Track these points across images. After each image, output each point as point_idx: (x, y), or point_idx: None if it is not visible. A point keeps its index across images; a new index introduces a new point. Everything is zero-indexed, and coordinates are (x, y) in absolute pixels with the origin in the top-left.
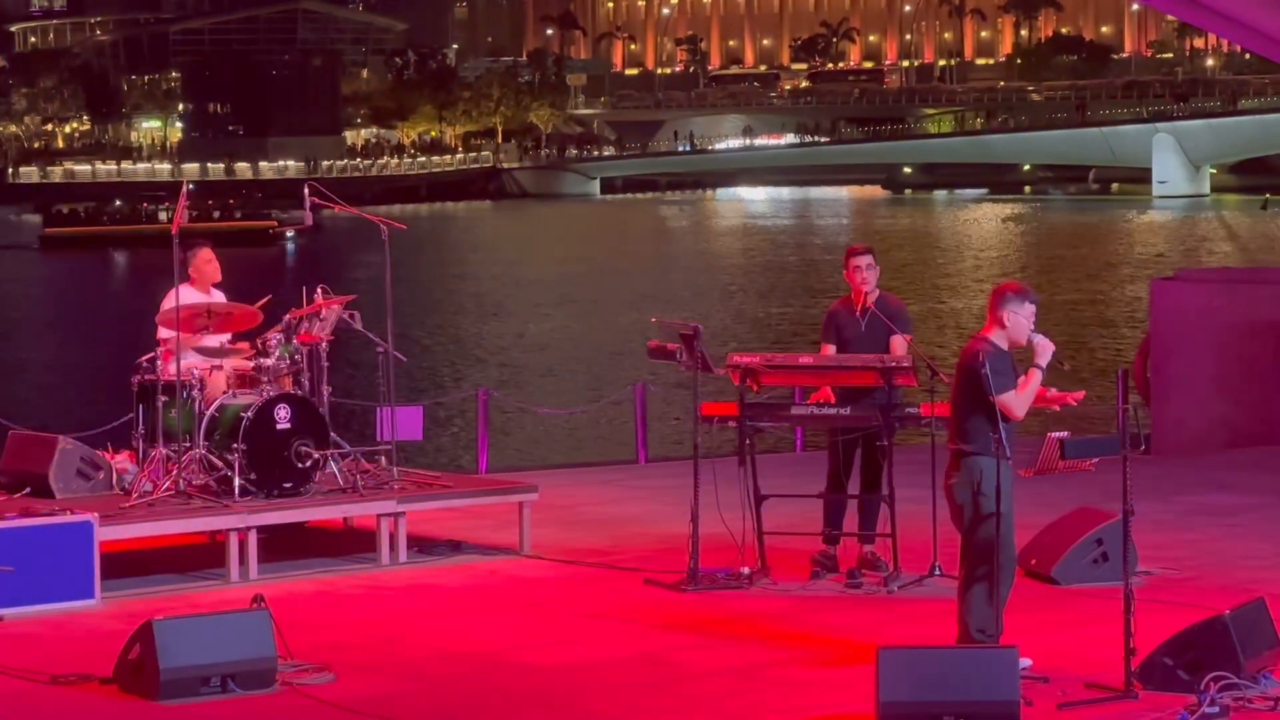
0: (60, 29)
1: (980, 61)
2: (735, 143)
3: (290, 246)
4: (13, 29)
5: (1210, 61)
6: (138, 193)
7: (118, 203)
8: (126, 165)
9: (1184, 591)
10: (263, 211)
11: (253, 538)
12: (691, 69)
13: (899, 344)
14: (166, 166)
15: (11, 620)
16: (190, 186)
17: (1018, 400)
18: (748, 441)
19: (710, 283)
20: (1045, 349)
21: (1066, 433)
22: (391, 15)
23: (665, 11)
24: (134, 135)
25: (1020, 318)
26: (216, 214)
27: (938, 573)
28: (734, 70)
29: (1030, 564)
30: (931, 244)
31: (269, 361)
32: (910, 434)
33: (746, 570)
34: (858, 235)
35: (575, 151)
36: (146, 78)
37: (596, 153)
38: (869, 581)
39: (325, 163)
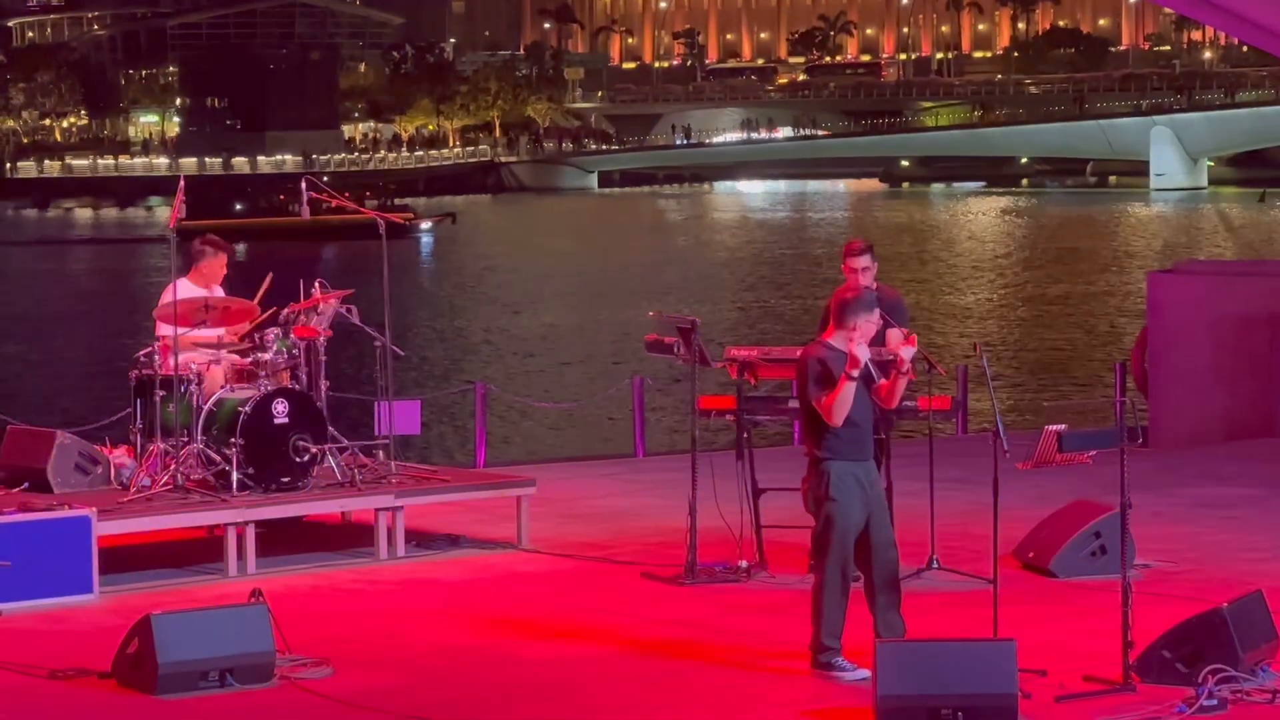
0: (58, 24)
1: (978, 54)
2: (733, 136)
3: (425, 239)
4: (10, 24)
5: (1208, 54)
6: (272, 186)
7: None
8: (124, 160)
9: (1182, 584)
10: (395, 203)
11: (251, 532)
12: (689, 63)
13: (894, 337)
14: (164, 161)
15: (10, 615)
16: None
17: (830, 406)
18: (745, 435)
19: (708, 276)
20: (863, 353)
21: (1064, 425)
22: (389, 9)
23: (663, 5)
24: (131, 130)
25: (870, 326)
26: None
27: (935, 566)
28: (731, 64)
29: (1028, 557)
30: (929, 237)
31: (267, 356)
32: (907, 427)
33: (744, 564)
34: (855, 229)
35: (573, 145)
36: (144, 72)
37: (594, 146)
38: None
39: (323, 157)
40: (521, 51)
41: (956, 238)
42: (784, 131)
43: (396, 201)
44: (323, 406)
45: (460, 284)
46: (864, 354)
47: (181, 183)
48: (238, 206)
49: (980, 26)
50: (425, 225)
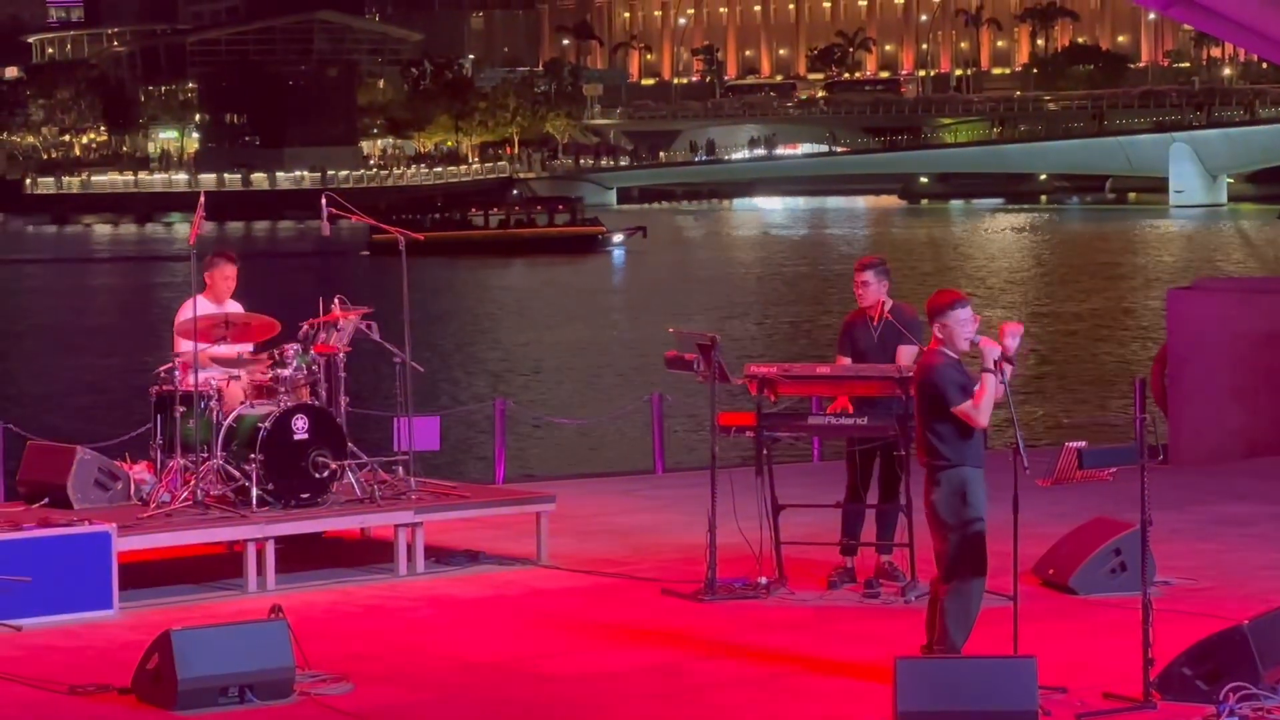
0: (77, 40)
1: (997, 71)
2: (752, 152)
3: (617, 253)
4: (30, 40)
5: (1227, 71)
6: (466, 198)
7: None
8: (143, 176)
9: (1202, 601)
10: (586, 217)
11: (270, 548)
12: (708, 79)
13: (907, 353)
14: (183, 177)
15: (30, 630)
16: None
17: (975, 410)
18: (765, 451)
19: (727, 293)
20: (989, 351)
21: (1084, 442)
22: (407, 26)
23: (681, 21)
24: (151, 146)
25: (953, 325)
26: (542, 219)
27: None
28: (750, 80)
29: (1048, 574)
30: (948, 254)
31: (286, 372)
32: None
33: (764, 580)
34: (874, 245)
35: (591, 161)
36: (163, 88)
37: (613, 163)
38: (887, 591)
39: (341, 173)
40: (540, 68)
41: (975, 254)
42: (803, 147)
43: (586, 215)
44: (342, 422)
45: (475, 299)
46: (994, 343)
47: (202, 199)
48: (433, 216)
49: (999, 43)
50: (617, 238)
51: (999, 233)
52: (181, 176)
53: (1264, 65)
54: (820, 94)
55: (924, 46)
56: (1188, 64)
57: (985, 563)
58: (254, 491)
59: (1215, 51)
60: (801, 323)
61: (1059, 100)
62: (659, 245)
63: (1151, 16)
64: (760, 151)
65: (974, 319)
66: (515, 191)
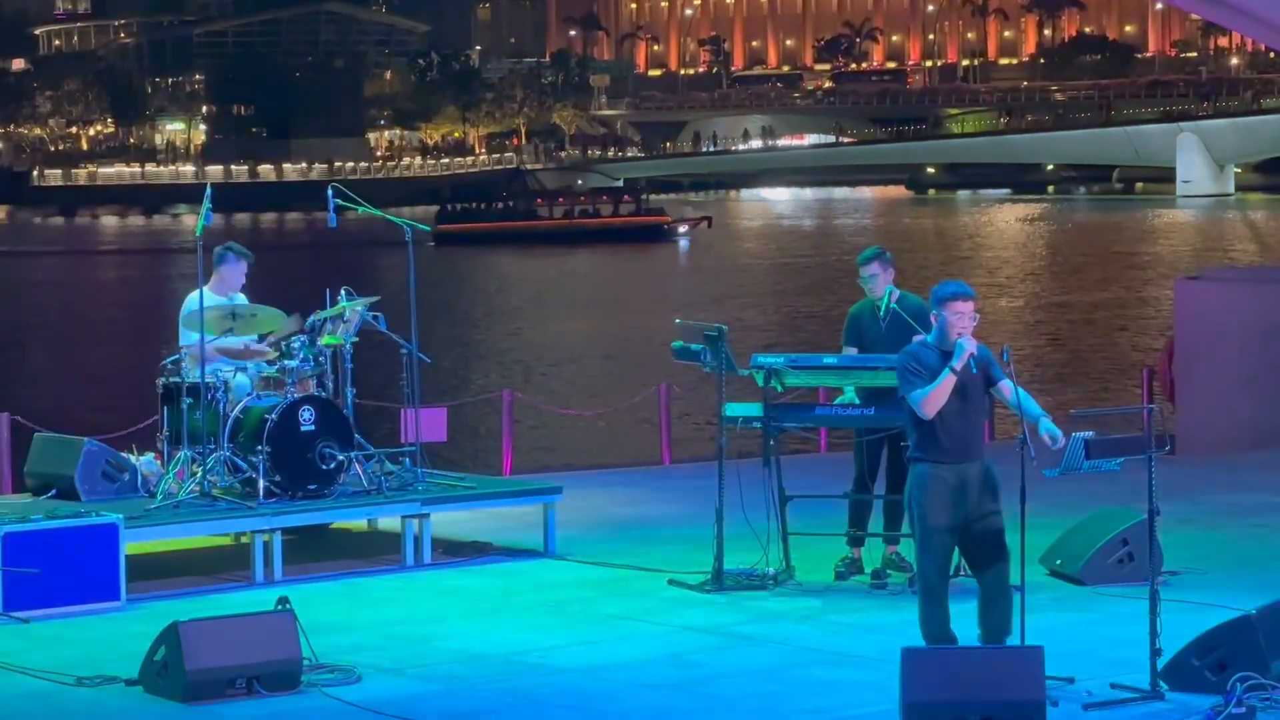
0: (84, 31)
1: (1003, 61)
2: (758, 143)
3: (683, 243)
4: (37, 32)
5: (1234, 60)
6: (528, 189)
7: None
8: (150, 168)
9: (1210, 592)
10: (650, 207)
11: (277, 540)
12: (714, 70)
13: None
14: (190, 168)
15: (37, 622)
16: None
17: (921, 399)
18: (772, 442)
19: (734, 283)
20: (963, 348)
21: (1092, 433)
22: (414, 17)
23: (688, 12)
24: (158, 137)
25: (948, 315)
26: (607, 209)
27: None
28: (757, 71)
29: (1056, 564)
30: (955, 244)
31: (293, 363)
32: None
33: (771, 571)
34: (882, 236)
35: (599, 152)
36: (170, 80)
37: (620, 154)
38: (894, 582)
39: (348, 164)
40: (547, 58)
41: (982, 245)
42: (810, 138)
43: (651, 204)
44: (349, 414)
45: (482, 290)
46: (971, 345)
47: (208, 190)
48: (498, 206)
49: (1006, 33)
50: (682, 229)
51: (1006, 223)
52: (189, 168)
53: (1271, 54)
54: (827, 85)
55: (931, 37)
56: (1195, 54)
57: (933, 565)
58: (261, 483)
59: (1223, 41)
60: (815, 312)
61: (1066, 90)
62: (718, 235)
63: (1159, 6)
64: (757, 144)
65: (972, 316)
66: (579, 181)
